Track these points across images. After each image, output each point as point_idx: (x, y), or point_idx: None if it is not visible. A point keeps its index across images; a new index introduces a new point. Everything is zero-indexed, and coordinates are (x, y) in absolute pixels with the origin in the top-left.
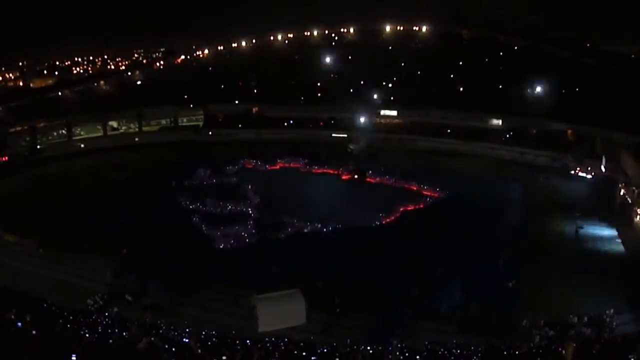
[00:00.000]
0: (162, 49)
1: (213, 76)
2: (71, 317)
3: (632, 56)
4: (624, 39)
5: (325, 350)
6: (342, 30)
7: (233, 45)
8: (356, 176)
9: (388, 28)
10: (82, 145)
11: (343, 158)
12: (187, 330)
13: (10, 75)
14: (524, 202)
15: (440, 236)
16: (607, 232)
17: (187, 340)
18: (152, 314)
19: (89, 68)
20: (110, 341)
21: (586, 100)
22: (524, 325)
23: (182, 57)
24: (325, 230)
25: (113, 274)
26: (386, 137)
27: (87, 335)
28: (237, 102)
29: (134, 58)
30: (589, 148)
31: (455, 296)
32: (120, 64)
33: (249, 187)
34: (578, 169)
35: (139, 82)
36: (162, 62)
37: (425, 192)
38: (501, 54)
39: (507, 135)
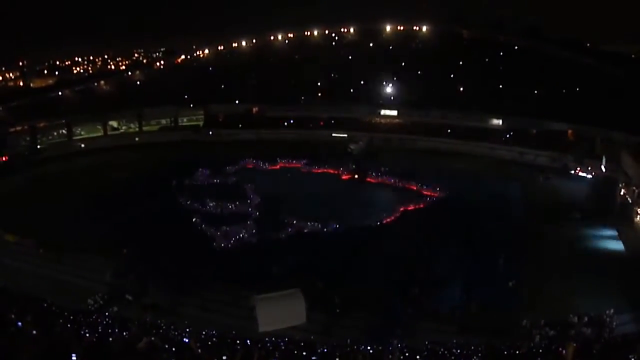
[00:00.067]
0: (162, 49)
1: (213, 76)
2: (71, 317)
3: (632, 56)
4: (624, 38)
5: (325, 350)
6: (342, 30)
7: (233, 45)
8: (356, 176)
9: (388, 28)
10: (82, 145)
11: (343, 158)
12: (187, 330)
13: (11, 75)
14: (524, 202)
15: (440, 236)
16: (607, 232)
17: (187, 340)
18: (152, 314)
19: (89, 68)
20: (110, 341)
21: (586, 100)
22: (524, 325)
23: (182, 57)
24: (325, 230)
25: (113, 274)
26: (386, 137)
27: (87, 335)
28: (237, 102)
29: (134, 58)
30: (589, 148)
31: (455, 296)
32: (120, 63)
33: (249, 187)
34: (578, 169)
35: (139, 82)
36: (162, 62)
37: (425, 192)
38: (501, 54)
39: (507, 135)
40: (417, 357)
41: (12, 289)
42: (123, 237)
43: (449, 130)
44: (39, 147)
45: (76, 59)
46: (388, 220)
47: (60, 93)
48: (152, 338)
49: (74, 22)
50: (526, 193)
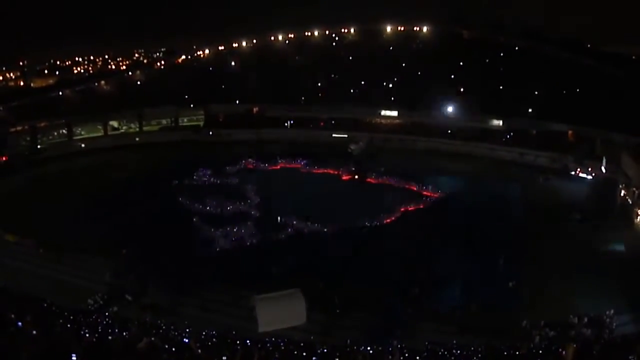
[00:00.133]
0: (162, 49)
1: (213, 76)
2: (71, 317)
3: (633, 57)
4: (625, 40)
5: (325, 350)
6: (342, 30)
7: (233, 45)
8: (356, 177)
9: (388, 28)
10: (83, 145)
11: (343, 158)
12: (187, 330)
13: (11, 75)
14: (524, 202)
15: (440, 236)
16: (607, 232)
17: (187, 340)
18: (152, 314)
19: (90, 68)
20: (110, 341)
21: (586, 101)
22: (524, 326)
23: (183, 57)
24: (325, 230)
25: (113, 274)
26: (386, 137)
27: (87, 335)
28: (237, 102)
29: (134, 58)
30: (589, 149)
31: (455, 296)
32: (120, 63)
33: (250, 187)
34: (578, 169)
35: (139, 82)
36: (162, 62)
37: (425, 193)
38: (501, 54)
39: (507, 136)
40: (417, 357)
41: (12, 289)
42: (123, 237)
43: (449, 131)
44: (39, 147)
45: (76, 59)
46: (388, 220)
47: (60, 93)
48: (152, 338)
49: (74, 22)
50: (526, 194)
